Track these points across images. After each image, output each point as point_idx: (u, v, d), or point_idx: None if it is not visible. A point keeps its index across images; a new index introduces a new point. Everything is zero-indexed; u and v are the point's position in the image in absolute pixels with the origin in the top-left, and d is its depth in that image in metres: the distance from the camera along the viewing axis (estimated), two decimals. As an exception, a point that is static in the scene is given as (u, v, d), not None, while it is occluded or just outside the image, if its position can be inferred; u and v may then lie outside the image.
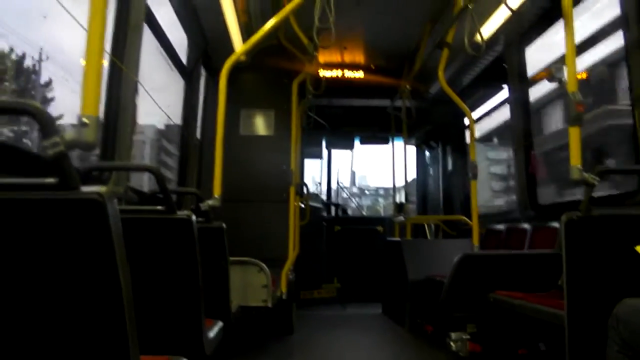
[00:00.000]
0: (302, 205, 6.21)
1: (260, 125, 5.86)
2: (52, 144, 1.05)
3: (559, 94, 10.49)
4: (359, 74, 6.97)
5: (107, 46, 3.03)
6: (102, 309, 1.12)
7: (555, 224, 4.02)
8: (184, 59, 4.84)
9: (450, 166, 7.81)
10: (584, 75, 6.85)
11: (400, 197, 6.88)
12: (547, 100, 13.33)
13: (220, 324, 2.50)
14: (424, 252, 5.39)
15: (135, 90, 3.20)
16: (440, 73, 4.68)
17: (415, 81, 6.27)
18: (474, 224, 4.54)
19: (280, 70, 5.58)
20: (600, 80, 11.29)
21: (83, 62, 1.37)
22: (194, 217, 2.09)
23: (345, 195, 10.67)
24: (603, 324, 1.92)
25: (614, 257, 2.17)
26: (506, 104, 5.66)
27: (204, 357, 2.11)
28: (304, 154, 7.88)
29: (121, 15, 3.13)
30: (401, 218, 6.50)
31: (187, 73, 4.92)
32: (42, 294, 1.11)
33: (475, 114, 6.60)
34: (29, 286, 1.11)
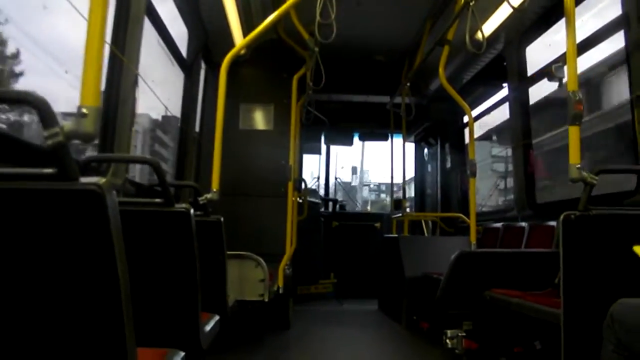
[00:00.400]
0: (300, 201, 6.21)
1: (260, 119, 5.86)
2: (52, 135, 1.04)
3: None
4: (359, 70, 6.96)
5: (108, 37, 3.02)
6: (100, 300, 1.11)
7: (553, 223, 4.03)
8: (184, 52, 4.83)
9: (448, 163, 7.81)
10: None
11: (399, 194, 6.89)
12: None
13: (216, 317, 2.50)
14: (421, 249, 5.39)
15: (135, 82, 3.19)
16: (441, 70, 4.66)
17: (415, 78, 6.27)
18: (472, 221, 4.55)
19: (280, 64, 5.57)
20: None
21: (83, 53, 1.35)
22: (192, 210, 2.08)
23: (343, 191, 10.67)
24: (599, 324, 1.92)
25: (611, 256, 2.17)
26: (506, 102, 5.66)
27: (200, 351, 2.11)
28: (303, 149, 7.88)
29: (122, 7, 3.12)
30: (399, 214, 6.51)
31: (187, 66, 4.90)
32: (39, 284, 1.11)
33: (475, 112, 6.59)
34: (26, 277, 1.10)
